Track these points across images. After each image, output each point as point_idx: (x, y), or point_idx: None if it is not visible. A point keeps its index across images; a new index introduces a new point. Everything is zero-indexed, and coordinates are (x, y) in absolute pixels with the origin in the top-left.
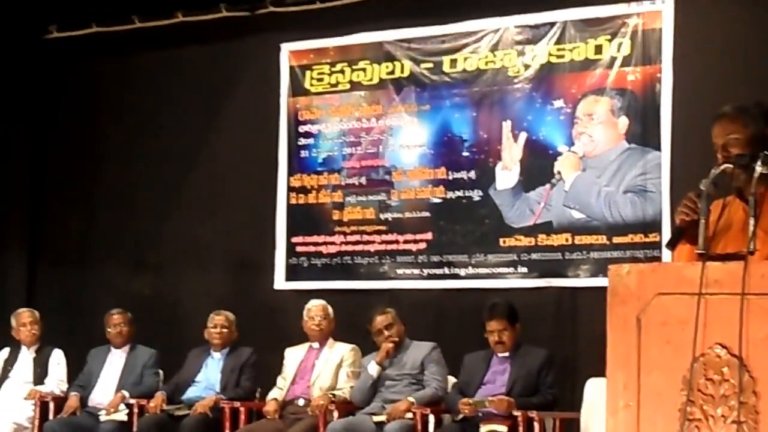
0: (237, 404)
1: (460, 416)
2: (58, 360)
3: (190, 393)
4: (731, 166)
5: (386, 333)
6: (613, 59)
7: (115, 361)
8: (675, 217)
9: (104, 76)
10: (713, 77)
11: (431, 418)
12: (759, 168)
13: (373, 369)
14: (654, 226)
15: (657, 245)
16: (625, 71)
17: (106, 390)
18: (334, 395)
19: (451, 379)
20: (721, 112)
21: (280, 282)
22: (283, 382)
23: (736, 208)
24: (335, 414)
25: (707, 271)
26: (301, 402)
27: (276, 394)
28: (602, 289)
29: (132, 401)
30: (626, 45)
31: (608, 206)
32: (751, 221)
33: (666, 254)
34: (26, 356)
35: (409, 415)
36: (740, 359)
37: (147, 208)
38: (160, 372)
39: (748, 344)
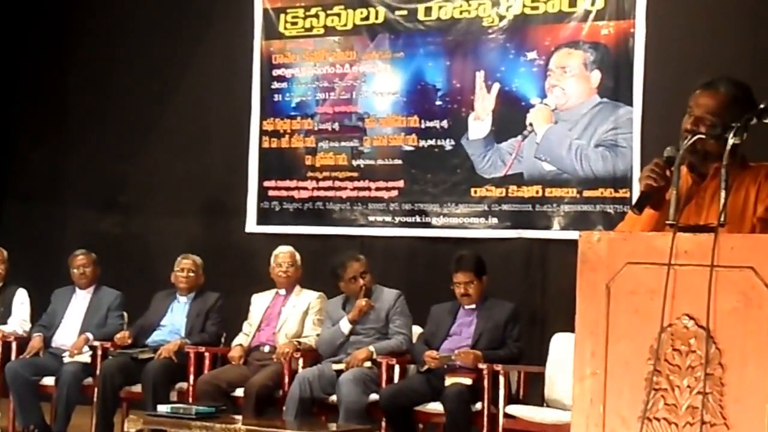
0: (202, 349)
1: (425, 367)
2: (21, 300)
3: (155, 337)
4: (703, 137)
5: (361, 281)
6: (588, 12)
7: (79, 303)
8: (639, 181)
9: (75, 6)
10: (686, 33)
11: (396, 369)
12: (731, 139)
13: (345, 327)
14: (624, 181)
15: (627, 200)
16: (599, 25)
17: (69, 331)
18: (299, 343)
19: (417, 329)
20: (711, 82)
21: (251, 225)
22: (248, 328)
23: (684, 180)
24: (300, 362)
25: (677, 241)
26: (266, 349)
27: (241, 340)
28: (572, 242)
29: (96, 343)
30: None
31: (579, 160)
32: (722, 193)
33: None
34: None
35: (368, 364)
36: (707, 330)
37: (117, 147)
38: (125, 314)
39: (716, 316)
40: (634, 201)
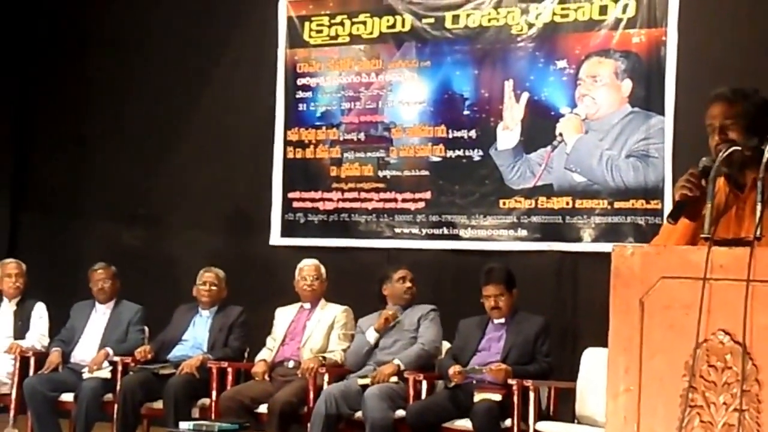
0: (225, 364)
1: (453, 383)
2: (40, 314)
3: (177, 352)
4: (739, 149)
5: (408, 284)
6: (618, 20)
7: (99, 317)
8: (674, 192)
9: (94, 16)
10: (719, 42)
11: (423, 384)
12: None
13: (371, 336)
14: (656, 192)
15: (659, 212)
16: (630, 33)
17: (89, 346)
18: (324, 358)
19: (446, 344)
20: (719, 93)
21: (276, 238)
22: (272, 342)
23: (722, 191)
24: (326, 377)
25: (713, 255)
26: (290, 364)
27: (265, 355)
28: (603, 255)
29: (116, 359)
30: (631, 6)
31: (610, 170)
32: (759, 206)
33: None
34: (6, 309)
35: (394, 379)
36: (743, 346)
37: (139, 157)
38: (146, 329)
39: (752, 331)
40: (668, 211)
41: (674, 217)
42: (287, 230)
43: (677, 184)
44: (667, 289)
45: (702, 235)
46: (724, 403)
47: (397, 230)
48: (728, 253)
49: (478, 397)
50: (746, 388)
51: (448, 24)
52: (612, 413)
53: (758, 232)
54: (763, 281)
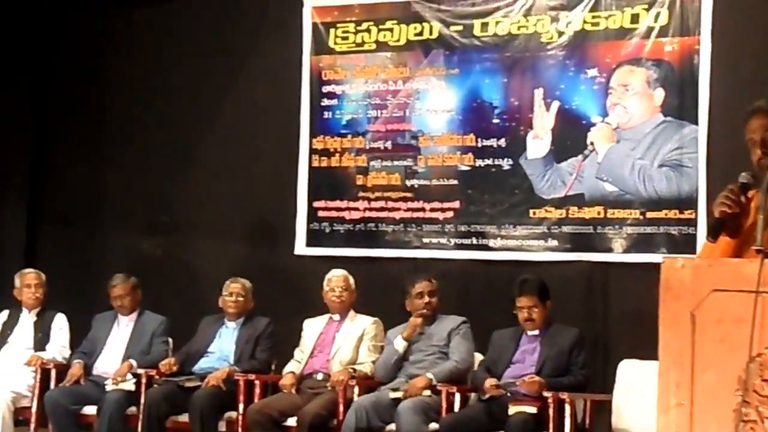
0: (252, 377)
1: (487, 396)
2: (60, 325)
3: (202, 364)
4: None
5: (426, 299)
6: (650, 29)
7: (122, 328)
8: (714, 208)
9: (115, 22)
10: (752, 50)
11: (457, 397)
12: None
13: (399, 344)
14: (690, 202)
15: (692, 222)
16: (662, 42)
17: (111, 358)
18: (354, 370)
19: (478, 356)
20: (759, 106)
21: (301, 247)
22: (300, 354)
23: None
24: (356, 389)
25: (765, 268)
26: (320, 376)
27: (293, 367)
28: (635, 266)
29: (140, 371)
30: (664, 15)
31: (642, 180)
32: None
33: (701, 232)
34: (27, 320)
35: (427, 392)
36: None
37: (160, 165)
38: (170, 340)
39: None
40: (706, 227)
41: (714, 235)
42: (313, 240)
43: (716, 201)
44: (718, 302)
45: (754, 248)
46: None
47: (425, 240)
48: None
49: (512, 410)
50: None
51: (476, 31)
52: (663, 428)
53: None
54: None
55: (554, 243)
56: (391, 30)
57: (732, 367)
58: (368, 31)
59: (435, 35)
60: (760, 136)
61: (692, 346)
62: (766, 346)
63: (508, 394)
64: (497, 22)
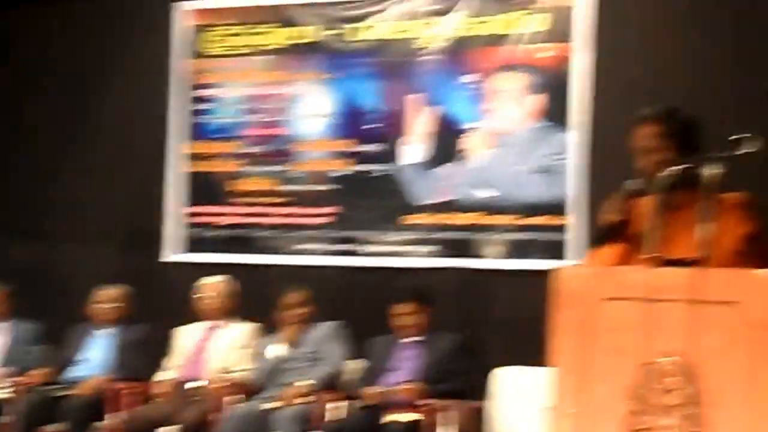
0: (126, 385)
1: (366, 403)
2: None
3: (75, 372)
4: (679, 169)
5: (296, 310)
6: (526, 35)
7: None
8: (600, 216)
9: None
10: (626, 57)
11: (334, 404)
12: (708, 172)
13: (275, 352)
14: (563, 208)
15: (565, 228)
16: (538, 48)
17: None
18: (230, 378)
19: (354, 362)
20: (647, 114)
21: (174, 254)
22: (175, 362)
23: (646, 210)
24: (232, 398)
25: (656, 276)
26: (195, 384)
27: (167, 374)
28: (509, 272)
29: (13, 379)
30: (539, 21)
31: (517, 186)
32: (702, 226)
33: (573, 239)
34: None
35: (303, 399)
36: (687, 368)
37: (27, 170)
38: (43, 348)
39: (696, 353)
40: (594, 235)
41: (600, 241)
42: (186, 246)
43: (602, 208)
44: (610, 311)
45: (645, 256)
46: (670, 426)
47: (299, 246)
48: (671, 274)
49: (391, 417)
50: (690, 410)
51: (353, 36)
52: None
53: (701, 253)
54: (707, 302)
55: (429, 249)
56: (265, 34)
57: (623, 375)
58: (243, 35)
59: (310, 40)
60: (649, 144)
61: (585, 355)
62: (657, 354)
63: (387, 401)
64: (374, 27)
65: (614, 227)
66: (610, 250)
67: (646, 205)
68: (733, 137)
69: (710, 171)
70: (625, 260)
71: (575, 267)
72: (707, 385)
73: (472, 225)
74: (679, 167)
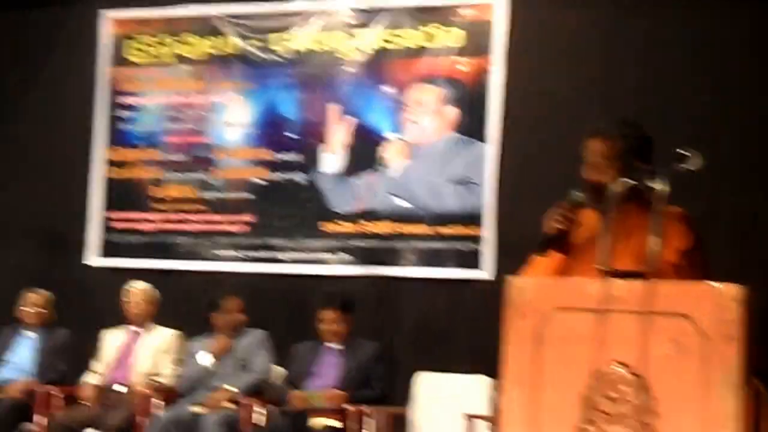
0: (52, 388)
1: (290, 409)
2: None
3: (1, 374)
4: (634, 182)
5: (230, 316)
6: (445, 48)
7: None
8: (545, 224)
9: None
10: (543, 72)
11: (259, 410)
12: (659, 186)
13: (205, 359)
14: (478, 218)
15: (480, 238)
16: (456, 61)
17: None
18: (156, 382)
19: (279, 369)
20: (596, 129)
21: (94, 259)
22: (100, 366)
23: (589, 221)
24: (157, 402)
25: (608, 287)
26: (120, 388)
27: (93, 378)
28: (425, 280)
29: None
30: (458, 35)
31: (433, 196)
32: (653, 238)
33: (487, 249)
34: None
35: (231, 405)
36: (640, 378)
37: None
38: None
39: (648, 363)
40: (538, 244)
41: (543, 250)
42: (106, 251)
43: (547, 216)
44: (562, 321)
45: (596, 266)
46: None
47: (219, 253)
48: (624, 285)
49: (314, 422)
50: (642, 420)
51: (274, 46)
52: None
53: (651, 265)
54: (659, 313)
55: (346, 257)
56: (189, 43)
57: (575, 385)
58: (167, 44)
59: (233, 50)
60: (599, 158)
61: (536, 364)
62: (609, 364)
63: (310, 407)
64: (295, 38)
65: (557, 236)
66: (551, 260)
67: (589, 216)
68: (678, 150)
69: (660, 186)
70: (568, 269)
71: (528, 277)
72: (658, 395)
73: (389, 234)
74: (629, 181)
